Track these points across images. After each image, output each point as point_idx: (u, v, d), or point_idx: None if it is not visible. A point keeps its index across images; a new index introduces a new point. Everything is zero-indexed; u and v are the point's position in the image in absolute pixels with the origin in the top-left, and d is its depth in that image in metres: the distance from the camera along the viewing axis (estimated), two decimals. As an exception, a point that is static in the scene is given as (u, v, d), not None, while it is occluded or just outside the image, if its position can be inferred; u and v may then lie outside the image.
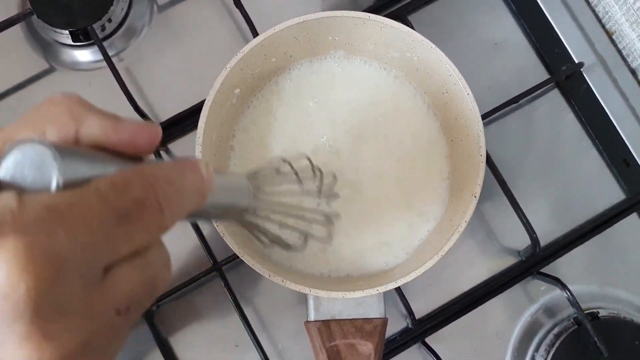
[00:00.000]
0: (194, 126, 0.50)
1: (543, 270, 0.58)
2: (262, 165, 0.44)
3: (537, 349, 0.57)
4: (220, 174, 0.35)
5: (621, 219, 0.59)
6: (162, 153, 0.59)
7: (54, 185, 0.22)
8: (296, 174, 0.44)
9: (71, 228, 0.21)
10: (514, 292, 0.58)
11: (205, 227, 0.56)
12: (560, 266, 0.58)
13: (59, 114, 0.25)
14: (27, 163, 0.22)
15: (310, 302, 0.49)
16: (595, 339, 0.53)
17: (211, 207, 0.33)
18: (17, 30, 0.61)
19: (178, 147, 0.60)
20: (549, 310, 0.58)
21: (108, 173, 0.24)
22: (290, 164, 0.44)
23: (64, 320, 0.21)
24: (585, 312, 0.55)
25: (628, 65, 0.63)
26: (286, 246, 0.43)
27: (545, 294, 0.59)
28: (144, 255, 0.25)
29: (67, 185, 0.22)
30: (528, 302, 0.59)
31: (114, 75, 0.56)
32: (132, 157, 0.27)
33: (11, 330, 0.20)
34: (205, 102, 0.49)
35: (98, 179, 0.23)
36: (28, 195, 0.21)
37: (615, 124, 0.61)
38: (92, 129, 0.26)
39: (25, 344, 0.20)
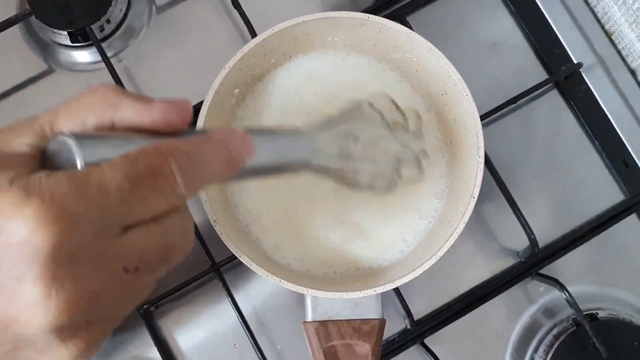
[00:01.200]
0: (192, 126, 0.50)
1: (542, 271, 0.58)
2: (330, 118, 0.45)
3: (536, 350, 0.57)
4: (268, 135, 0.38)
5: (620, 219, 0.59)
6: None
7: (78, 166, 0.26)
8: (381, 114, 0.46)
9: (87, 191, 0.25)
10: (513, 293, 0.58)
11: (204, 228, 0.56)
12: (559, 267, 0.58)
13: (96, 102, 0.29)
14: (59, 152, 0.27)
15: (308, 303, 0.49)
16: (594, 339, 0.53)
17: (257, 169, 0.35)
18: (15, 31, 0.61)
19: (177, 147, 0.60)
20: (548, 311, 0.58)
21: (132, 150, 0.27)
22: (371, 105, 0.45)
23: (74, 267, 0.24)
24: (584, 313, 0.55)
25: (627, 66, 0.63)
26: (372, 187, 0.45)
27: (544, 295, 0.58)
28: (162, 220, 0.27)
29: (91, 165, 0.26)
30: (527, 303, 0.59)
31: (113, 76, 0.56)
32: (168, 135, 0.29)
33: (29, 269, 0.23)
34: (204, 102, 0.49)
35: (112, 158, 0.26)
36: (57, 172, 0.25)
37: (615, 125, 0.61)
38: (126, 113, 0.29)
39: (39, 282, 0.23)
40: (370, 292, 0.46)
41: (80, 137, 0.27)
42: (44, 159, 0.28)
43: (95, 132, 0.28)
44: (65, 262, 0.24)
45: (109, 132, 0.29)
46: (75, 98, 0.29)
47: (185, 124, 0.30)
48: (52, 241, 0.23)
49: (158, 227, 0.27)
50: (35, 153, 0.28)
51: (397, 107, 0.47)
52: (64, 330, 0.25)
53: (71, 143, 0.26)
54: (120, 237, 0.26)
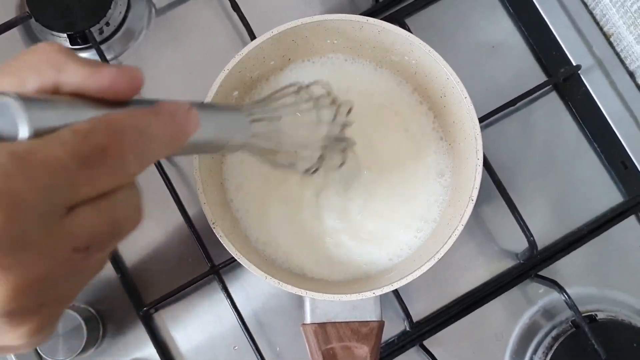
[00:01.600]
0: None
1: (541, 272, 0.58)
2: (268, 94, 0.45)
3: (535, 352, 0.57)
4: (211, 110, 0.36)
5: (619, 221, 0.59)
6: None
7: (20, 135, 0.23)
8: (314, 99, 0.45)
9: (30, 171, 0.23)
10: (512, 295, 0.58)
11: (203, 230, 0.56)
12: (558, 269, 0.58)
13: (38, 62, 0.26)
14: None
15: (307, 305, 0.49)
16: (593, 341, 0.53)
17: (200, 144, 0.34)
18: (14, 33, 0.61)
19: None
20: (547, 313, 0.58)
21: (80, 122, 0.25)
22: (301, 89, 0.45)
23: (20, 254, 0.23)
24: (584, 314, 0.55)
25: (626, 68, 0.63)
26: (294, 168, 0.44)
27: (544, 297, 0.59)
28: (109, 197, 0.26)
29: (38, 134, 0.24)
30: (526, 305, 0.59)
31: (112, 78, 0.56)
32: (115, 103, 0.28)
33: None
34: (203, 105, 0.49)
35: (65, 127, 0.24)
36: None
37: (613, 127, 0.61)
38: (72, 77, 0.26)
39: None
40: (369, 294, 0.46)
41: (25, 99, 0.24)
42: None
43: (37, 95, 0.25)
44: (8, 251, 0.22)
45: (51, 96, 0.26)
46: (16, 57, 0.26)
47: (133, 93, 0.28)
48: None
49: (105, 203, 0.26)
50: None
51: (329, 94, 0.47)
52: (15, 315, 0.24)
53: (15, 106, 0.23)
54: (67, 217, 0.24)
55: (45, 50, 0.26)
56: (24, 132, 0.23)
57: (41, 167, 0.23)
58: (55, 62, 0.26)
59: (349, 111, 0.48)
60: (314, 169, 0.46)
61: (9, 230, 0.22)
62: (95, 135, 0.25)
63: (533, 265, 0.58)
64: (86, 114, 0.26)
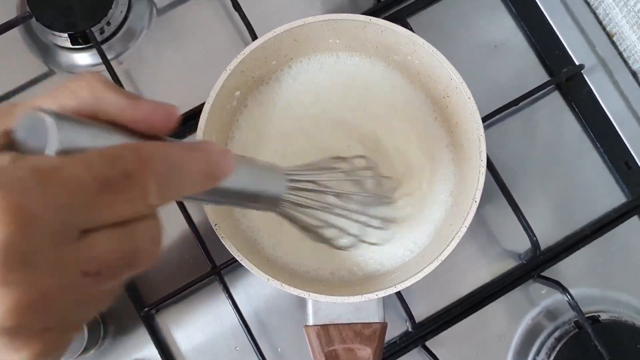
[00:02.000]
0: (194, 129, 0.50)
1: (544, 273, 0.58)
2: (310, 162, 0.44)
3: (538, 353, 0.56)
4: (247, 160, 0.36)
5: (622, 221, 0.59)
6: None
7: (48, 149, 0.23)
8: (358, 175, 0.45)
9: (49, 188, 0.22)
10: (515, 296, 0.58)
11: (204, 231, 0.56)
12: (561, 269, 0.58)
13: (79, 88, 0.27)
14: (32, 129, 0.24)
15: (309, 307, 0.49)
16: (596, 342, 0.53)
17: (231, 191, 0.33)
18: (15, 33, 0.61)
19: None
20: (550, 314, 0.58)
21: (110, 146, 0.25)
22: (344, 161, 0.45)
23: (26, 270, 0.22)
24: (586, 315, 0.55)
25: (629, 67, 0.62)
26: (329, 243, 0.44)
27: (546, 297, 0.58)
28: (127, 225, 0.25)
29: (66, 152, 0.24)
30: (529, 306, 0.58)
31: (113, 79, 0.56)
32: (149, 136, 0.28)
33: None
34: (205, 104, 0.49)
35: (93, 149, 0.24)
36: (24, 156, 0.23)
37: (616, 126, 0.61)
38: (110, 106, 0.27)
39: None
40: (372, 296, 0.46)
41: (60, 116, 0.24)
42: (14, 139, 0.25)
43: (73, 116, 0.26)
44: (15, 266, 0.22)
45: (86, 119, 0.26)
46: (61, 84, 0.27)
47: (167, 129, 0.28)
48: (5, 243, 0.21)
49: (122, 231, 0.25)
50: (8, 140, 0.25)
51: (377, 172, 0.46)
52: (16, 335, 0.23)
53: (48, 121, 0.23)
54: (80, 239, 0.24)
55: (87, 78, 0.27)
56: (51, 147, 0.23)
57: (61, 185, 0.23)
58: (95, 91, 0.27)
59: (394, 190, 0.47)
60: (350, 246, 0.46)
61: (18, 246, 0.22)
62: (122, 160, 0.24)
63: (536, 265, 0.58)
64: (118, 140, 0.26)
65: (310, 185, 0.40)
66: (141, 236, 0.26)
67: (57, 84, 0.27)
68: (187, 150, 0.28)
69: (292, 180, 0.38)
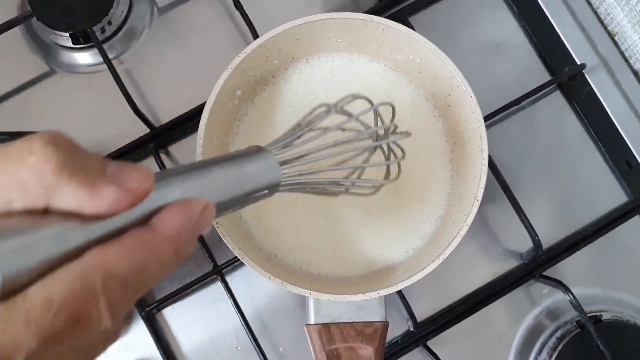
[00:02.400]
0: (195, 128, 0.50)
1: (545, 273, 0.58)
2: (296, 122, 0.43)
3: (539, 352, 0.56)
4: (231, 162, 0.33)
5: (624, 221, 0.58)
6: (163, 156, 0.59)
7: None
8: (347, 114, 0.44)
9: None
10: (517, 295, 0.58)
11: (206, 230, 0.55)
12: (563, 269, 0.58)
13: (29, 180, 0.22)
14: None
15: (311, 305, 0.49)
16: (598, 342, 0.53)
17: (227, 205, 0.32)
18: (16, 32, 0.60)
19: (179, 149, 0.60)
20: (552, 313, 0.58)
21: (56, 276, 0.22)
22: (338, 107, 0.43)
23: None
24: (588, 315, 0.55)
25: (630, 67, 0.62)
26: (349, 192, 0.44)
27: (548, 297, 0.58)
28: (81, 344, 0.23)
29: (13, 279, 0.21)
30: (531, 305, 0.58)
31: (114, 78, 0.56)
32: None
33: None
34: (207, 103, 0.49)
35: (32, 291, 0.21)
36: None
37: (618, 126, 0.61)
38: (65, 201, 0.23)
39: None
40: (373, 294, 0.46)
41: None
42: None
43: (19, 222, 0.22)
44: None
45: (38, 217, 0.23)
46: (5, 167, 0.22)
47: (135, 205, 0.25)
48: None
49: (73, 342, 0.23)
50: None
51: (370, 103, 0.44)
52: None
53: None
54: None
55: (37, 168, 0.22)
56: None
57: None
58: (47, 184, 0.23)
59: (393, 113, 0.46)
60: (377, 189, 0.45)
61: None
62: (69, 305, 0.21)
63: (537, 265, 0.57)
64: (74, 240, 0.23)
65: (303, 160, 0.39)
66: (90, 342, 0.24)
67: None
68: (152, 246, 0.25)
69: (284, 163, 0.37)
